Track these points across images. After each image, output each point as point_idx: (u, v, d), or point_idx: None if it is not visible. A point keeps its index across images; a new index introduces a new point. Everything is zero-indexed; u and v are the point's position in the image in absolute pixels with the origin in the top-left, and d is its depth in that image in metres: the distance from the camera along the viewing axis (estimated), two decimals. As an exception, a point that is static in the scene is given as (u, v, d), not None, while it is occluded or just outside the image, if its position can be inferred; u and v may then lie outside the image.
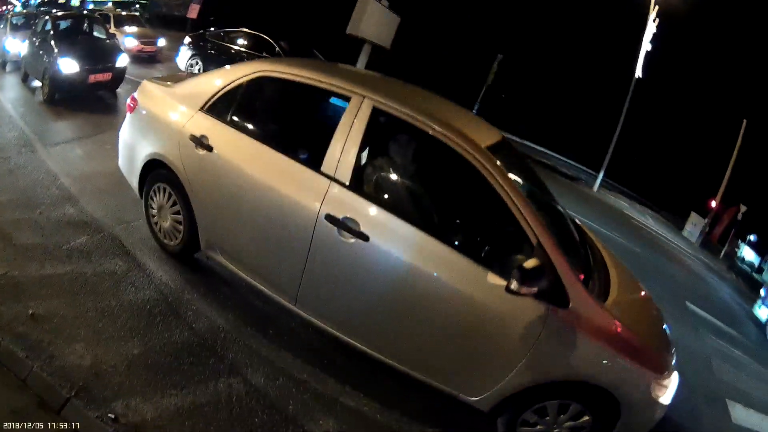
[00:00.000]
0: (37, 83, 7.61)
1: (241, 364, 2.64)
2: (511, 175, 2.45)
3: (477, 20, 32.05)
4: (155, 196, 3.37)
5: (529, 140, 24.64)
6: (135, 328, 2.70)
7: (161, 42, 13.93)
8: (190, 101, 3.19)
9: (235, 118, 3.01)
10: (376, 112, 2.60)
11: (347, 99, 2.69)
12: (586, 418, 2.37)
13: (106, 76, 7.57)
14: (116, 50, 8.10)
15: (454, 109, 3.03)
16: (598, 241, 3.45)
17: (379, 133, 2.67)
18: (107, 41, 8.71)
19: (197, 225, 3.12)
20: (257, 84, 3.04)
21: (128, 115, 3.60)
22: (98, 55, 7.66)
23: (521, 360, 2.30)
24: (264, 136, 2.90)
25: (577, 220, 3.53)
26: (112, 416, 2.10)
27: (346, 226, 2.46)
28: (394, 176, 2.73)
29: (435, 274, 2.36)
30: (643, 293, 3.07)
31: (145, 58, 13.04)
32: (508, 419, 2.51)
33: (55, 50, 7.06)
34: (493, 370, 2.39)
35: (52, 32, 7.59)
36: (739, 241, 33.10)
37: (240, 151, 2.88)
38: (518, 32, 30.57)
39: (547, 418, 2.43)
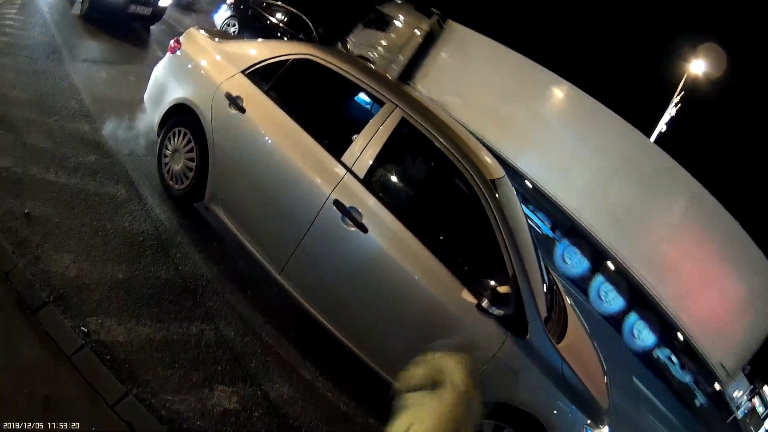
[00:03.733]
0: (78, -6, 7.56)
1: (216, 315, 2.71)
2: (505, 211, 2.65)
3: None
4: (173, 138, 3.42)
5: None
6: (124, 255, 2.74)
7: None
8: (235, 61, 3.28)
9: (273, 90, 3.11)
10: (403, 122, 2.80)
11: (381, 103, 2.90)
12: None
13: (146, 10, 7.47)
14: None
15: (469, 138, 3.21)
16: (564, 292, 3.64)
17: (401, 142, 2.86)
18: None
19: (208, 176, 3.18)
20: (303, 65, 3.14)
21: (168, 55, 3.66)
22: (144, -14, 7.61)
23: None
24: (296, 114, 2.99)
25: (549, 268, 3.69)
26: (85, 330, 2.14)
27: (350, 214, 2.61)
28: (402, 183, 3.01)
29: (416, 277, 2.52)
30: (593, 350, 3.26)
31: (183, 5, 12.84)
32: None
33: (104, -32, 6.99)
34: None
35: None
36: None
37: (270, 121, 2.98)
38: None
39: None
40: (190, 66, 3.46)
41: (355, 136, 2.86)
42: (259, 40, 3.63)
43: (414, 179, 3.05)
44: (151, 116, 3.68)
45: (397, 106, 2.84)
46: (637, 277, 9.11)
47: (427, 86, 11.62)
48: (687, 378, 11.24)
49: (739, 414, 19.69)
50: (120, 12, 7.07)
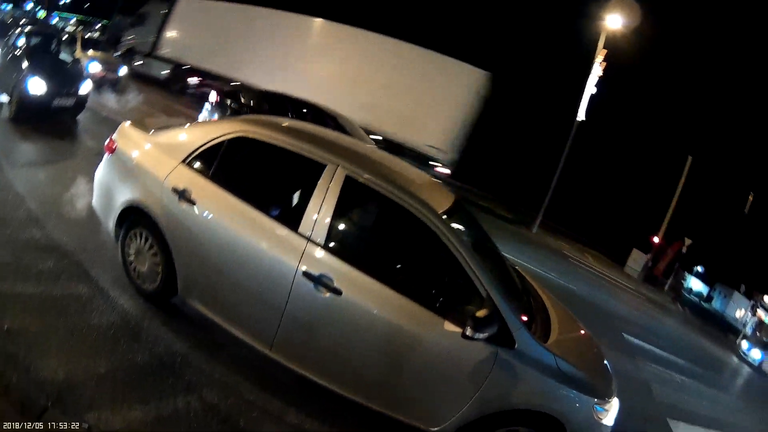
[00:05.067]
0: (4, 97, 7.56)
1: (197, 384, 2.98)
2: (464, 236, 2.92)
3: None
4: (133, 240, 3.50)
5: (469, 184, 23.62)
6: (101, 348, 2.99)
7: (123, 70, 13.99)
8: (173, 152, 3.36)
9: (218, 174, 3.21)
10: (348, 180, 2.94)
11: (323, 165, 3.01)
12: None
13: (69, 102, 7.65)
14: (80, 76, 8.22)
15: (416, 175, 3.50)
16: (539, 287, 3.99)
17: (352, 198, 3.00)
18: (73, 65, 8.79)
19: (176, 272, 3.28)
20: (238, 143, 3.25)
21: (107, 156, 3.72)
22: (64, 79, 7.75)
23: (475, 393, 2.71)
24: (245, 194, 3.10)
25: (518, 268, 4.14)
26: (86, 425, 2.40)
27: (321, 282, 2.78)
28: (363, 236, 3.18)
29: (399, 323, 2.74)
30: (582, 332, 3.64)
31: (106, 86, 13.00)
32: None
33: (25, 68, 7.16)
34: (451, 403, 2.78)
35: (24, 48, 7.64)
36: (686, 273, 35.62)
37: (222, 208, 3.10)
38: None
39: None
40: (130, 165, 3.51)
41: (307, 204, 2.96)
42: (189, 125, 3.67)
43: (372, 230, 3.21)
44: (104, 222, 3.73)
45: (338, 165, 2.97)
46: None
47: (176, 49, 17.05)
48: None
49: (748, 330, 21.08)
50: (45, 108, 7.24)
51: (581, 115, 19.40)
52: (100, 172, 3.77)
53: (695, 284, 39.00)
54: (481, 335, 2.56)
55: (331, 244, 2.88)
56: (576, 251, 20.06)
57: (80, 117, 8.35)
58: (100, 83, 12.52)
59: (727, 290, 39.06)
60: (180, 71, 17.99)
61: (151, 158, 3.45)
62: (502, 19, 34.41)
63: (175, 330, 3.43)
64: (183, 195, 3.18)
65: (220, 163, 3.26)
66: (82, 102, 8.09)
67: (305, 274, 2.81)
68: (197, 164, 3.29)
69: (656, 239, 25.87)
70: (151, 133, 3.69)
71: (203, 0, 18.41)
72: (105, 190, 3.68)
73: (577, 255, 19.01)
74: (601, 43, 19.24)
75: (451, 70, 14.53)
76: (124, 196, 3.46)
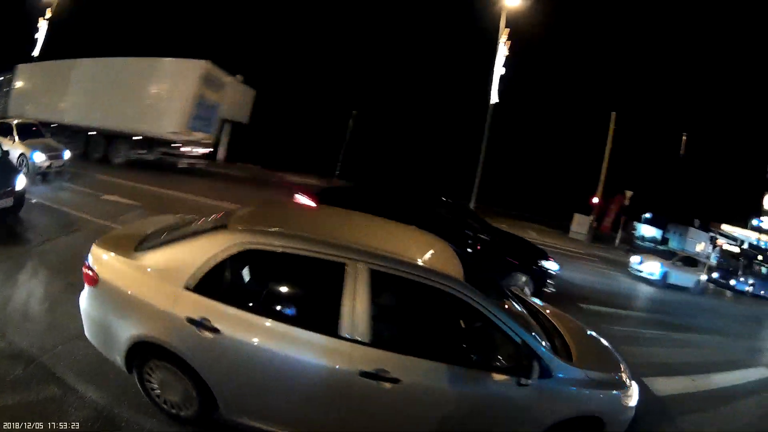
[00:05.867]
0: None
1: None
2: (487, 295, 3.16)
3: (328, 82, 33.54)
4: (153, 372, 3.27)
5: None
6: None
7: (67, 154, 12.99)
8: (169, 278, 3.08)
9: (231, 294, 3.04)
10: (374, 273, 2.97)
11: (342, 264, 2.97)
12: None
13: (8, 202, 7.12)
14: (14, 171, 7.77)
15: (428, 246, 3.59)
16: (542, 307, 4.44)
17: (380, 289, 3.03)
18: (3, 159, 8.21)
19: (214, 395, 3.11)
20: (243, 257, 3.08)
21: (89, 288, 3.35)
22: (-3, 178, 7.14)
23: (535, 421, 3.16)
24: (272, 310, 3.04)
25: (526, 299, 4.54)
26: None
27: (380, 377, 2.84)
28: (401, 322, 3.29)
29: (458, 389, 2.96)
30: (588, 333, 4.25)
31: (51, 174, 12.22)
32: None
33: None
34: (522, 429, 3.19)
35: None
36: (634, 223, 37.50)
37: (250, 329, 2.94)
38: (369, 86, 32.67)
39: None
40: (123, 298, 3.17)
41: (338, 305, 2.94)
42: (178, 242, 3.27)
43: (407, 312, 3.31)
44: (108, 355, 3.45)
45: (358, 260, 2.97)
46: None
47: (29, 109, 19.28)
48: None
49: (712, 260, 22.39)
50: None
51: (494, 98, 19.77)
52: (87, 305, 3.41)
53: (647, 231, 40.93)
54: (533, 379, 2.97)
55: (376, 339, 2.92)
56: (518, 229, 20.11)
57: (23, 213, 7.97)
58: (45, 174, 11.96)
59: (681, 228, 40.50)
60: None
61: (146, 288, 3.13)
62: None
63: (144, 410, 3.53)
64: (202, 325, 2.97)
65: (231, 282, 3.12)
66: (21, 199, 7.60)
67: (362, 374, 2.84)
68: (205, 288, 3.04)
69: (595, 199, 26.92)
70: (132, 256, 3.31)
71: (34, 64, 22.91)
72: (100, 326, 3.39)
73: (519, 233, 19.25)
74: (503, 23, 19.44)
75: (170, 67, 17.80)
76: (128, 331, 3.15)
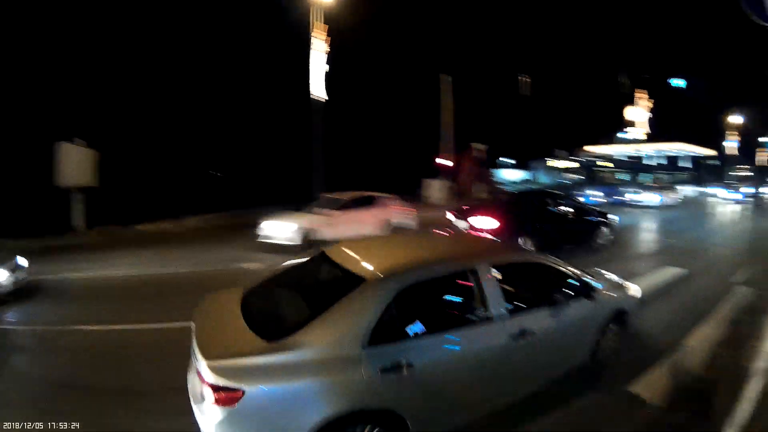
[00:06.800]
0: None
1: None
2: (550, 257, 4.60)
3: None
4: None
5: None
6: None
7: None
8: (340, 347, 3.03)
9: (401, 330, 3.27)
10: (495, 267, 3.89)
11: (474, 270, 3.74)
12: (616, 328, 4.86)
13: None
14: None
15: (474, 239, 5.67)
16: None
17: (501, 274, 3.92)
18: None
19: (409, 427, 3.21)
20: (403, 295, 3.29)
21: (225, 410, 2.76)
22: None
23: (597, 324, 4.60)
24: (436, 325, 3.42)
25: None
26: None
27: (524, 335, 3.76)
28: (520, 292, 4.12)
29: (566, 316, 4.14)
30: (596, 270, 5.62)
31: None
32: None
33: None
34: (592, 336, 4.60)
35: None
36: (492, 171, 37.55)
37: (434, 348, 3.36)
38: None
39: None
40: (288, 393, 2.85)
41: (483, 299, 3.68)
42: (304, 318, 3.20)
43: (520, 284, 4.21)
44: None
45: (482, 262, 3.84)
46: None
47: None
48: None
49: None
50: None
51: (323, 95, 19.06)
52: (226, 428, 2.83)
53: (510, 174, 44.50)
54: (594, 298, 4.47)
55: (512, 310, 3.82)
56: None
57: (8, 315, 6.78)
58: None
59: (542, 162, 44.50)
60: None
61: (314, 369, 2.93)
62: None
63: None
64: (395, 369, 3.08)
65: (393, 321, 3.23)
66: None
67: (512, 337, 3.70)
68: (376, 338, 3.10)
69: (439, 160, 28.11)
70: (263, 346, 3.01)
71: None
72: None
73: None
74: (312, 18, 18.68)
75: None
76: (312, 417, 2.84)
